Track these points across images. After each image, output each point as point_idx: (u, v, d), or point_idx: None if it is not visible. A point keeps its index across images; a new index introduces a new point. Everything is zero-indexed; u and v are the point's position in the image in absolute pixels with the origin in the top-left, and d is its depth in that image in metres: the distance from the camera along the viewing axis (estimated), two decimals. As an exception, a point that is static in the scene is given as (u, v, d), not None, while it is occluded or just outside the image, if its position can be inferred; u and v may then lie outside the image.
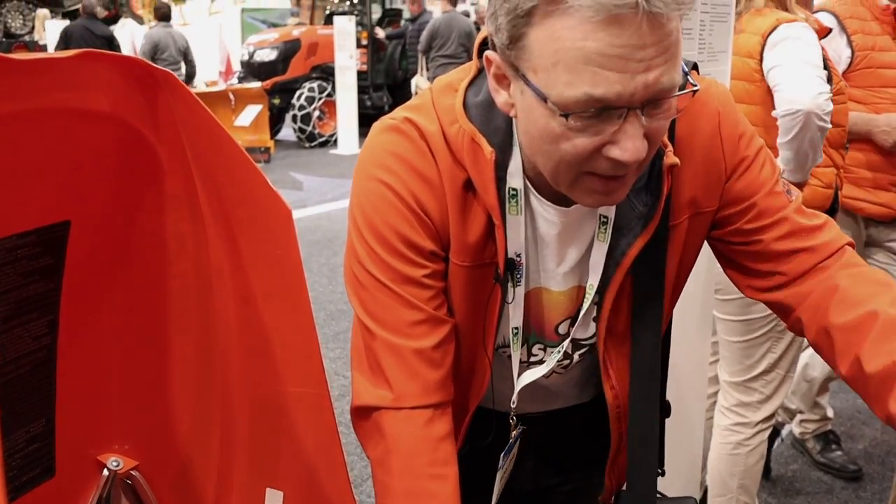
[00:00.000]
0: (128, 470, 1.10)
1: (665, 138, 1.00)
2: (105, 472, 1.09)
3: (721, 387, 2.53)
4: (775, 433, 3.03)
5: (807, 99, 2.07)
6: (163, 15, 9.85)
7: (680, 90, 0.87)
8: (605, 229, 1.04)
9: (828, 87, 2.13)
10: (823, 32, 2.33)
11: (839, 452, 3.09)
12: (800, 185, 2.27)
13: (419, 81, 10.04)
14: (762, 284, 1.10)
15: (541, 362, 1.15)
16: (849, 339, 0.99)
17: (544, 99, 0.85)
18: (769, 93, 2.21)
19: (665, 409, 1.32)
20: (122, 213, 1.02)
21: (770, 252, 1.08)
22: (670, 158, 1.00)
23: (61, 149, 0.92)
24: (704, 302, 2.03)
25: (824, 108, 2.08)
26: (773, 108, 2.18)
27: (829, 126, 2.13)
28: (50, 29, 12.60)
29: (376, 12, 12.23)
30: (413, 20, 11.01)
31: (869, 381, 0.95)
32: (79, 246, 0.99)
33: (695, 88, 0.90)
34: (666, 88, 0.84)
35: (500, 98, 0.94)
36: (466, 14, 13.72)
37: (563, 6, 0.80)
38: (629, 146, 0.85)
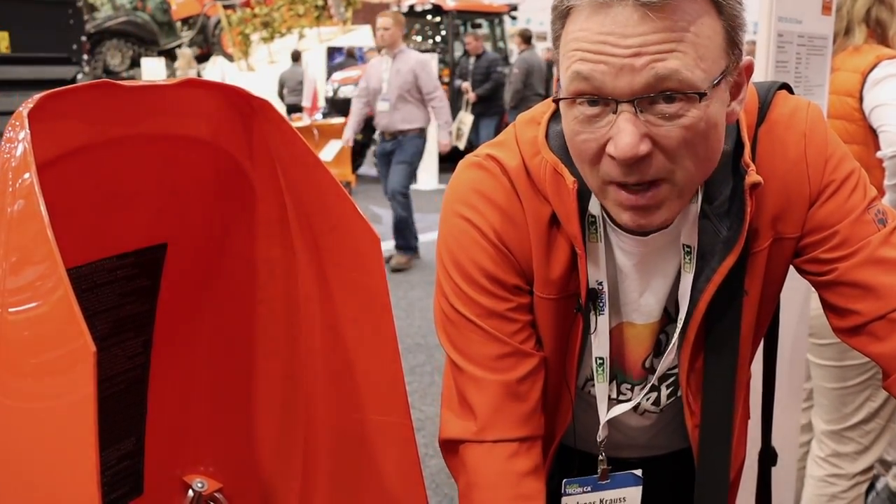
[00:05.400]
0: (212, 492, 1.11)
1: (747, 158, 0.97)
2: (190, 492, 1.11)
3: (815, 435, 2.42)
4: (870, 486, 2.87)
5: None
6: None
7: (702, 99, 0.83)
8: (690, 259, 1.01)
9: None
10: None
11: (939, 509, 2.92)
12: None
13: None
14: (841, 325, 1.03)
15: (629, 401, 1.12)
16: None
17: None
18: (871, 132, 2.13)
19: (771, 457, 1.26)
20: (216, 237, 1.04)
21: (843, 283, 1.00)
22: (752, 177, 0.96)
23: (162, 173, 0.94)
24: (795, 347, 1.95)
25: None
26: (877, 148, 2.10)
27: None
28: (145, 66, 13.15)
29: (458, 50, 12.39)
30: (478, 57, 11.03)
31: None
32: (173, 268, 1.02)
33: (700, 92, 0.83)
34: (661, 77, 0.82)
35: None
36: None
37: (570, 5, 0.86)
38: (619, 141, 0.84)
